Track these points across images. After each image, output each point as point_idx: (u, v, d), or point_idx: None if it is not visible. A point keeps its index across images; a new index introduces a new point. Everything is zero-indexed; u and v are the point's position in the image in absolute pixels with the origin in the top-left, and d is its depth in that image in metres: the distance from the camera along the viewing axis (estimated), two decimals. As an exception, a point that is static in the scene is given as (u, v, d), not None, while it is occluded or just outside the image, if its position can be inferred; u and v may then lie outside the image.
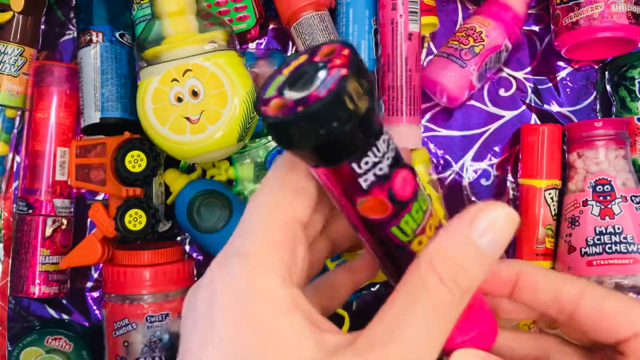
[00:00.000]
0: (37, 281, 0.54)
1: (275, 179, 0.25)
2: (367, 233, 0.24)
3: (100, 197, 0.59)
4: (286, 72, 0.23)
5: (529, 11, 0.60)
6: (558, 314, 0.28)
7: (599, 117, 0.60)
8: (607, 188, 0.53)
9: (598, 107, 0.61)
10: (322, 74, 0.21)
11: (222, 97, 0.47)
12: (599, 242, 0.52)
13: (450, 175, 0.60)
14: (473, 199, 0.60)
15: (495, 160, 0.60)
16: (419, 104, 0.55)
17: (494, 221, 0.22)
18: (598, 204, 0.53)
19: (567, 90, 0.61)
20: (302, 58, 0.23)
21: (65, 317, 0.59)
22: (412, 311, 0.21)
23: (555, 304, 0.27)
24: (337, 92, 0.20)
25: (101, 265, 0.57)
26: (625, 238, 0.52)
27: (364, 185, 0.22)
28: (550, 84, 0.61)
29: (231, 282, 0.22)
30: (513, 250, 0.59)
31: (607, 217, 0.53)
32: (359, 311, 0.59)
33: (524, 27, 0.60)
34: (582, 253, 0.53)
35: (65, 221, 0.56)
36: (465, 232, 0.22)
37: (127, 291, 0.52)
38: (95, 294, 0.60)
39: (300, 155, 0.22)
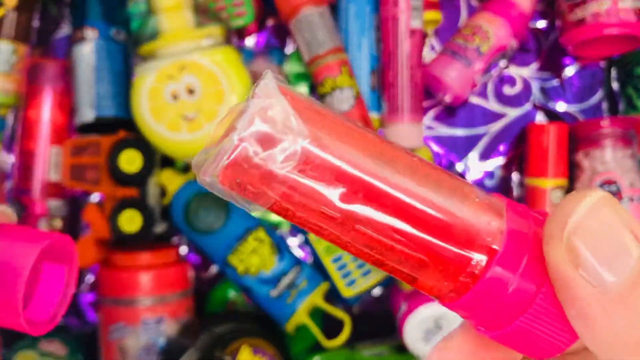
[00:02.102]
0: (31, 283, 0.53)
1: None
2: None
3: (96, 198, 0.58)
4: None
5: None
6: None
7: (606, 116, 0.59)
8: (614, 188, 0.52)
9: (605, 105, 0.60)
10: None
11: (219, 95, 0.46)
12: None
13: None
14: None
15: (500, 160, 0.59)
16: (420, 102, 0.54)
17: None
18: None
19: (573, 88, 0.60)
20: None
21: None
22: None
23: None
24: None
25: (96, 268, 0.56)
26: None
27: None
28: (556, 82, 0.60)
29: None
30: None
31: (613, 218, 0.52)
32: (360, 315, 0.58)
33: (530, 23, 0.59)
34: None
35: (59, 222, 0.55)
36: None
37: (122, 294, 0.51)
38: (90, 297, 0.58)
39: None
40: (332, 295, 0.56)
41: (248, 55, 0.55)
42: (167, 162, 0.55)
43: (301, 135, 0.16)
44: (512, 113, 0.59)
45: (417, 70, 0.54)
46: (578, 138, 0.55)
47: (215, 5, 0.54)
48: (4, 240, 0.23)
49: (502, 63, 0.59)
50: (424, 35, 0.56)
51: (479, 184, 0.59)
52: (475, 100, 0.59)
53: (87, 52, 0.53)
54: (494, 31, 0.55)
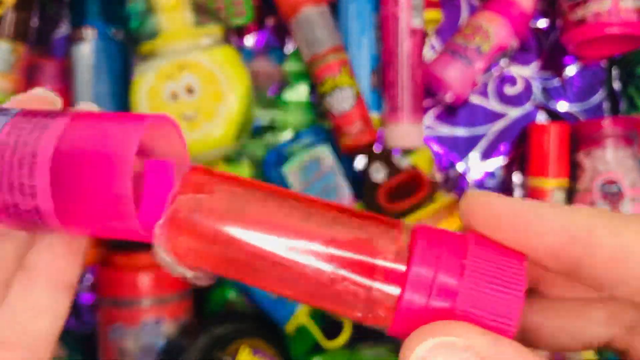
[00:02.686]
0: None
1: None
2: None
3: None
4: None
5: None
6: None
7: (607, 116, 0.59)
8: (615, 189, 0.52)
9: (606, 105, 0.59)
10: None
11: (218, 94, 0.46)
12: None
13: (453, 175, 0.59)
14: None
15: (501, 160, 0.59)
16: (421, 101, 0.54)
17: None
18: (606, 205, 0.52)
19: (574, 88, 0.59)
20: None
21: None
22: None
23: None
24: None
25: (95, 268, 0.55)
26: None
27: None
28: (557, 82, 0.59)
29: None
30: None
31: (615, 219, 0.51)
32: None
33: (531, 22, 0.59)
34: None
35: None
36: None
37: (122, 295, 0.50)
38: (89, 298, 0.58)
39: None
40: (332, 296, 0.55)
41: (248, 55, 0.55)
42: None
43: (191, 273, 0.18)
44: (513, 113, 0.59)
45: (417, 69, 0.54)
46: (579, 138, 0.55)
47: (215, 5, 0.53)
48: (89, 126, 0.18)
49: (503, 62, 0.59)
50: (424, 35, 0.56)
51: (480, 184, 0.59)
52: (476, 100, 0.59)
53: (86, 51, 0.53)
54: (495, 30, 0.55)
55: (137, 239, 0.18)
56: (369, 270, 0.16)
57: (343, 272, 0.16)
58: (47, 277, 0.20)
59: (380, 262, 0.16)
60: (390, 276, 0.16)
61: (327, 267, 0.16)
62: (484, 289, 0.16)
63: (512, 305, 0.16)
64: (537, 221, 0.16)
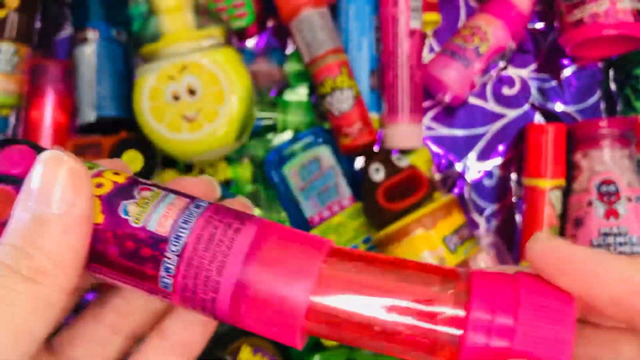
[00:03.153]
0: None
1: None
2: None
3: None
4: None
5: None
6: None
7: (604, 116, 0.60)
8: (612, 188, 0.53)
9: (603, 106, 0.60)
10: None
11: (220, 95, 0.47)
12: (604, 243, 0.52)
13: (452, 175, 0.59)
14: (476, 199, 0.59)
15: (498, 160, 0.59)
16: (420, 102, 0.55)
17: None
18: (603, 205, 0.52)
19: (572, 89, 0.60)
20: None
21: (60, 319, 0.58)
22: None
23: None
24: None
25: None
26: (630, 239, 0.51)
27: None
28: (555, 83, 0.60)
29: None
30: (517, 252, 0.58)
31: (611, 218, 0.52)
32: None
33: (528, 24, 0.60)
34: (587, 255, 0.52)
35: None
36: None
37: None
38: (92, 297, 0.59)
39: None
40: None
41: (248, 56, 0.56)
42: (169, 163, 0.55)
43: None
44: (511, 114, 0.60)
45: (416, 70, 0.54)
46: (576, 138, 0.55)
47: (216, 7, 0.54)
48: (277, 244, 0.19)
49: (501, 64, 0.59)
50: (423, 36, 0.56)
51: (478, 184, 0.59)
52: (474, 100, 0.60)
53: (89, 53, 0.53)
54: (493, 32, 0.55)
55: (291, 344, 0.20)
56: (433, 317, 0.18)
57: (410, 322, 0.18)
58: (179, 346, 0.22)
59: (442, 309, 0.18)
60: (452, 321, 0.18)
61: (398, 320, 0.18)
62: (538, 332, 0.17)
63: (562, 349, 0.17)
64: (602, 270, 0.18)
